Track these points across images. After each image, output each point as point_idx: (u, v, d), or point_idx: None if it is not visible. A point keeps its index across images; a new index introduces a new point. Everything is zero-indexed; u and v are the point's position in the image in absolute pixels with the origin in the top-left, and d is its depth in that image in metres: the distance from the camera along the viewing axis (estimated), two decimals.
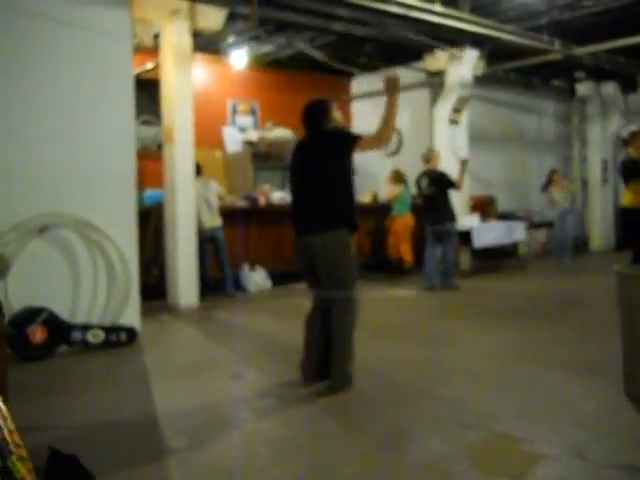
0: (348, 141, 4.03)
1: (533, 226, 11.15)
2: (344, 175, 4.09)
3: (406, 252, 9.45)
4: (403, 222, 9.42)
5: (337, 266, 4.01)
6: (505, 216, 11.06)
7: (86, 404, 3.96)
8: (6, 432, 1.70)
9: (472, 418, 3.55)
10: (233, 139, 10.71)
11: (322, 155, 4.05)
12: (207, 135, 8.95)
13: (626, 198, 6.90)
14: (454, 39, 9.30)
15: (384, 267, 9.74)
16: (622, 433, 3.32)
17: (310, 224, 4.04)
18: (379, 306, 7.18)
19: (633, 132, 7.26)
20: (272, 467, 2.99)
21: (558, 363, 4.63)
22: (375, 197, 10.14)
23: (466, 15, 8.06)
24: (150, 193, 8.00)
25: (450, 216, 8.26)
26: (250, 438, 3.39)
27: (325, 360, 4.17)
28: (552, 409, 3.70)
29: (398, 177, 9.48)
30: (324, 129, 4.14)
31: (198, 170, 7.61)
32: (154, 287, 7.24)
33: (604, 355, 4.65)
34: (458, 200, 9.72)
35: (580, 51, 9.41)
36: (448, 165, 8.85)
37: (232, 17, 7.66)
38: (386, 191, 9.75)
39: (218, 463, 3.04)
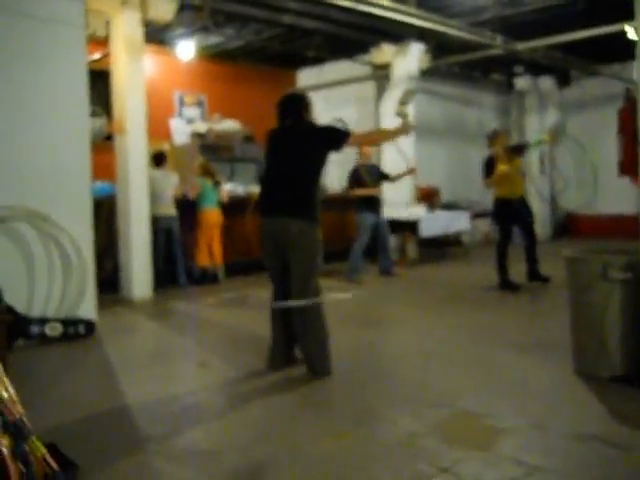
0: (339, 135, 4.19)
1: (476, 216, 11.49)
2: (319, 171, 4.23)
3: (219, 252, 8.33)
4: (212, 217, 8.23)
5: (310, 257, 4.11)
6: (449, 206, 11.38)
7: (54, 397, 3.94)
8: (19, 415, 1.74)
9: (436, 396, 3.73)
10: (180, 131, 10.65)
11: (309, 146, 4.17)
12: (154, 126, 8.85)
13: (497, 191, 7.35)
14: (400, 33, 9.50)
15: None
16: (575, 405, 3.57)
17: (285, 208, 4.10)
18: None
19: (495, 131, 7.81)
20: (250, 448, 3.08)
21: (509, 344, 4.87)
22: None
23: (413, 9, 8.27)
24: (99, 185, 7.88)
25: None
26: (225, 422, 3.48)
27: (291, 346, 4.29)
28: (509, 386, 3.92)
29: (202, 169, 8.38)
30: (306, 121, 4.28)
31: (161, 159, 7.60)
32: (107, 280, 7.17)
33: (551, 335, 4.94)
34: (405, 191, 9.99)
35: (520, 46, 9.75)
36: (393, 158, 9.03)
37: (180, 8, 7.62)
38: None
39: (197, 447, 3.12)
